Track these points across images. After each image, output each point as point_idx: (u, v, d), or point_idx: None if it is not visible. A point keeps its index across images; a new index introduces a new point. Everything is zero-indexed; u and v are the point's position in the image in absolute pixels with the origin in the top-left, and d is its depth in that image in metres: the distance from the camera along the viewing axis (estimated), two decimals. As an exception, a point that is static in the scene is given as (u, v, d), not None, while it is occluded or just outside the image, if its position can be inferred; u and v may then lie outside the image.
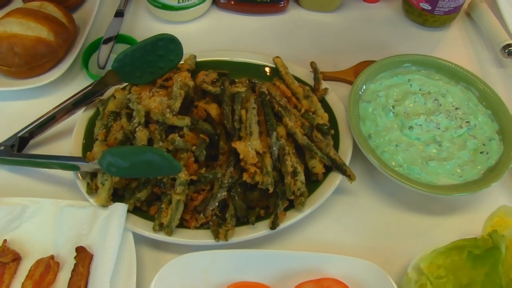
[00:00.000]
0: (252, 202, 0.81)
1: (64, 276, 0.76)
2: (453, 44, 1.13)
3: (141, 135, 0.80)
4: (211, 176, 0.78)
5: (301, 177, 0.78)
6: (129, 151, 0.74)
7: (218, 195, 0.77)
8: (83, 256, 0.76)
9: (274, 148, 0.79)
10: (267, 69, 0.98)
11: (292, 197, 0.78)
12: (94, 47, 1.03)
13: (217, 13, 1.15)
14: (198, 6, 1.10)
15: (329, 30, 1.13)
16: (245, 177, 0.77)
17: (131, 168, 0.75)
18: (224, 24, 1.13)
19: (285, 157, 0.79)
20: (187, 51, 0.96)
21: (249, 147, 0.78)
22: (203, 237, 0.78)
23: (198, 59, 0.97)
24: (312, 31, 1.13)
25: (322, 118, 0.87)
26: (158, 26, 1.11)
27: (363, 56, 1.05)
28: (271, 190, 0.77)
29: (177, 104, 0.81)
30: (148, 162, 0.73)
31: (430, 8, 1.09)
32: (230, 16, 1.15)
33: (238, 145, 0.78)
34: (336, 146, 0.87)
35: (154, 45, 0.86)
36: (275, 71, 0.96)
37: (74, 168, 0.82)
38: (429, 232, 0.85)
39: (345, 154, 0.85)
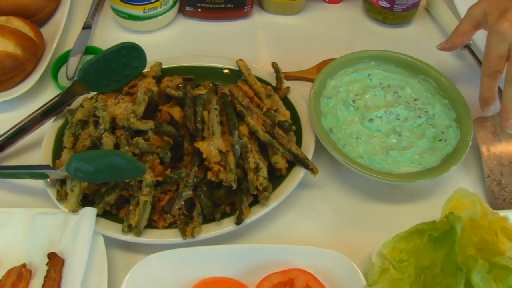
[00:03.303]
0: (219, 200, 0.83)
1: (37, 284, 0.77)
2: (414, 40, 1.16)
3: (108, 141, 0.82)
4: (176, 176, 0.80)
5: (263, 172, 0.81)
6: (94, 155, 0.76)
7: (183, 194, 0.79)
8: (55, 261, 0.77)
9: (237, 146, 0.82)
10: (231, 72, 1.00)
11: (256, 192, 0.81)
12: (63, 59, 1.06)
13: (184, 21, 1.18)
14: (164, 15, 1.12)
15: (293, 32, 1.16)
16: (210, 175, 0.79)
17: (98, 172, 0.77)
18: (191, 32, 1.16)
19: (247, 154, 0.82)
20: (155, 59, 0.99)
21: (211, 147, 0.80)
22: (172, 236, 0.80)
23: (164, 66, 1.00)
24: (276, 34, 1.16)
25: (284, 115, 0.90)
26: (126, 36, 1.13)
27: (327, 55, 1.07)
28: (234, 186, 0.79)
29: (141, 109, 0.84)
30: (113, 165, 0.76)
31: (388, 6, 1.12)
32: (196, 23, 1.17)
33: (201, 145, 0.80)
34: (299, 141, 0.89)
35: (117, 53, 0.88)
36: (239, 73, 0.99)
37: (43, 176, 0.83)
38: (394, 220, 0.87)
39: (308, 149, 0.88)
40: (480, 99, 0.87)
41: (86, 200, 0.84)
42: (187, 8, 1.15)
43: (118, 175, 0.78)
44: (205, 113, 0.84)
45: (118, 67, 0.90)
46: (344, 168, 0.86)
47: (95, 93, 0.92)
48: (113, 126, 0.85)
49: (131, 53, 0.89)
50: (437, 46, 0.98)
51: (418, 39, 1.16)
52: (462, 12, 1.10)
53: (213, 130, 0.82)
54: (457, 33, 0.95)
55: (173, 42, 1.14)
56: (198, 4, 1.13)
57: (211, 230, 0.80)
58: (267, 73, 0.99)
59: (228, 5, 1.13)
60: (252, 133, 0.85)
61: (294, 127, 0.88)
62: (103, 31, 1.15)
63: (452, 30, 0.97)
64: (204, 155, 0.80)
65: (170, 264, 0.77)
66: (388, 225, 0.85)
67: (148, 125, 0.82)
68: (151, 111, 0.87)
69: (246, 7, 1.15)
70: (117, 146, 0.83)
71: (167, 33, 1.15)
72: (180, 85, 0.92)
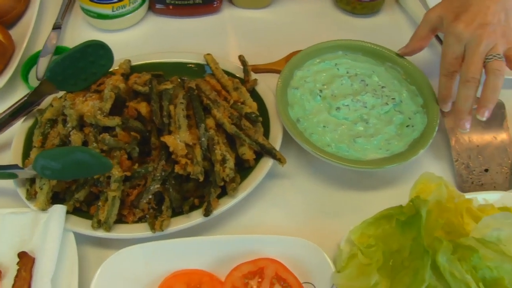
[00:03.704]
0: (188, 193, 0.84)
1: (7, 284, 0.77)
2: (383, 29, 1.17)
3: (75, 138, 0.82)
4: (143, 170, 0.81)
5: (230, 164, 0.81)
6: (59, 152, 0.77)
7: (151, 188, 0.80)
8: (26, 261, 0.77)
9: (203, 139, 0.82)
10: (200, 67, 1.01)
11: (223, 184, 0.81)
12: (33, 60, 1.06)
13: (154, 18, 1.18)
14: (134, 13, 1.13)
15: (263, 26, 1.17)
16: (177, 169, 0.80)
17: (65, 169, 0.77)
18: (161, 29, 1.16)
19: (214, 146, 0.82)
20: (125, 57, 0.99)
21: (178, 140, 0.80)
22: (141, 230, 0.81)
23: (133, 63, 1.00)
24: (246, 28, 1.17)
25: (251, 107, 0.90)
26: (96, 35, 1.14)
27: (296, 47, 1.07)
28: (201, 178, 0.79)
29: (108, 106, 0.84)
30: (79, 161, 0.76)
31: (356, -5, 1.13)
32: (166, 20, 1.18)
33: (167, 139, 0.80)
34: (266, 132, 0.90)
35: (83, 51, 0.89)
36: (208, 67, 0.99)
37: (12, 176, 0.83)
38: (364, 207, 0.87)
39: (275, 139, 0.89)
40: (438, 97, 0.91)
41: (57, 198, 0.84)
42: (157, 6, 1.16)
43: (85, 171, 0.79)
44: (172, 107, 0.85)
45: (85, 65, 0.90)
46: (313, 157, 0.87)
47: (65, 92, 0.92)
48: (82, 124, 0.85)
49: (97, 51, 0.90)
50: (398, 51, 1.00)
51: (387, 28, 1.17)
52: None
53: (179, 124, 0.82)
54: (416, 38, 0.98)
55: (144, 39, 1.14)
56: (168, 1, 1.14)
57: (180, 223, 0.81)
58: (236, 67, 1.00)
59: (197, 1, 1.14)
60: (220, 126, 0.86)
61: (260, 118, 0.89)
62: (73, 31, 1.16)
63: (420, 17, 0.98)
64: (171, 149, 0.80)
65: (140, 258, 0.78)
66: (358, 212, 0.85)
67: (115, 121, 0.82)
68: (119, 108, 0.87)
69: (215, 2, 1.16)
70: (85, 143, 0.83)
71: (138, 31, 1.16)
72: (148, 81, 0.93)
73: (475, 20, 0.85)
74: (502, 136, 0.95)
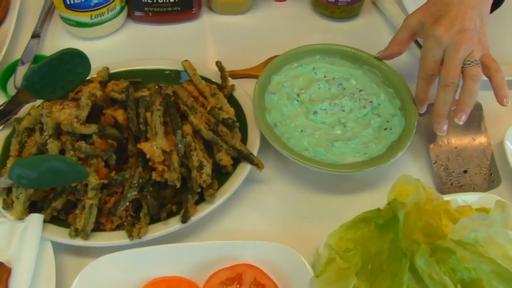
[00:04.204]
0: (165, 200, 0.84)
1: (-17, 294, 0.77)
2: (362, 33, 1.17)
3: (52, 147, 0.82)
4: (120, 178, 0.81)
5: (207, 170, 0.81)
6: (35, 161, 0.76)
7: (128, 195, 0.80)
8: (2, 271, 0.77)
9: (180, 145, 0.82)
10: (178, 73, 1.01)
11: (200, 190, 0.81)
12: (11, 69, 1.05)
13: (133, 25, 1.18)
14: (112, 20, 1.12)
15: (242, 31, 1.17)
16: (154, 175, 0.80)
17: (41, 178, 0.77)
18: (140, 36, 1.16)
19: (191, 152, 0.82)
20: (105, 64, 0.99)
21: (154, 147, 0.80)
22: (119, 237, 0.80)
23: (112, 71, 1.00)
24: (225, 34, 1.17)
25: (228, 112, 0.90)
26: (75, 43, 1.13)
27: (275, 52, 1.07)
28: (178, 185, 0.79)
29: (84, 114, 0.84)
30: (54, 170, 0.76)
31: (333, 0, 1.13)
32: (146, 27, 1.18)
33: (144, 146, 0.80)
34: (244, 138, 0.90)
35: (60, 59, 0.88)
36: (186, 74, 0.99)
37: (-12, 186, 0.83)
38: (342, 211, 0.87)
39: (253, 144, 0.88)
40: (415, 99, 0.92)
41: (34, 207, 0.84)
42: (136, 13, 1.16)
43: (62, 179, 0.78)
44: (148, 114, 0.84)
45: (63, 73, 0.89)
46: (291, 161, 0.87)
47: (42, 100, 0.92)
48: (59, 132, 0.85)
49: (74, 59, 0.89)
50: (376, 54, 1.01)
51: (366, 32, 1.18)
52: (408, 3, 1.12)
53: (156, 130, 0.82)
54: (394, 42, 0.99)
55: (123, 47, 1.14)
56: (146, 9, 1.14)
57: (158, 230, 0.80)
58: (214, 73, 1.00)
59: (176, 8, 1.14)
60: (197, 132, 0.86)
61: (237, 124, 0.89)
62: (53, 39, 1.15)
63: (398, 21, 0.99)
64: (148, 156, 0.80)
65: (119, 266, 0.77)
66: (336, 216, 0.85)
67: (91, 128, 0.82)
68: (96, 115, 0.87)
69: (194, 9, 1.16)
70: (63, 151, 0.83)
71: (117, 38, 1.16)
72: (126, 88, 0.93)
73: (454, 25, 0.87)
74: (480, 137, 0.95)
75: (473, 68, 0.85)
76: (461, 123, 0.84)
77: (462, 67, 0.87)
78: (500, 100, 0.85)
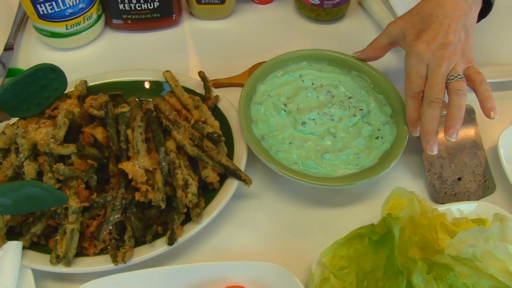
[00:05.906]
0: (150, 220, 0.80)
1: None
2: (348, 35, 1.14)
3: (29, 169, 0.78)
4: (102, 200, 0.77)
5: (193, 188, 0.77)
6: (8, 188, 0.72)
7: (111, 218, 0.76)
8: (-20, 302, 0.74)
9: (164, 164, 0.78)
10: (159, 85, 0.97)
11: (185, 211, 0.77)
12: (-16, 85, 1.01)
13: (111, 34, 1.14)
14: (89, 30, 1.08)
15: (224, 37, 1.13)
16: (138, 196, 0.76)
17: (17, 204, 0.73)
18: (120, 45, 1.12)
19: (175, 170, 0.78)
20: (83, 76, 0.95)
21: (137, 166, 0.77)
22: (103, 262, 0.76)
23: (90, 84, 0.96)
24: (207, 40, 1.13)
25: (213, 126, 0.87)
26: (52, 55, 1.09)
27: (260, 58, 1.04)
28: (163, 206, 0.76)
29: (61, 133, 0.79)
30: (31, 196, 0.71)
31: (319, 2, 1.10)
32: (125, 35, 1.13)
33: (125, 166, 0.77)
34: (231, 151, 0.86)
35: (34, 76, 0.84)
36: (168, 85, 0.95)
37: (-38, 212, 0.79)
38: (335, 225, 0.85)
39: (240, 158, 0.85)
40: (407, 120, 0.88)
41: (12, 233, 0.80)
42: (114, 21, 1.12)
43: (39, 205, 0.74)
44: (129, 131, 0.81)
45: (37, 90, 0.85)
46: (280, 175, 0.83)
47: (17, 118, 0.88)
48: (36, 153, 0.81)
49: (48, 75, 0.85)
50: (353, 54, 0.98)
51: (353, 34, 1.15)
52: (395, 3, 1.09)
53: (138, 149, 0.79)
54: (373, 47, 0.97)
55: (102, 56, 1.10)
56: (124, 16, 1.10)
57: (143, 253, 0.77)
58: (196, 83, 0.96)
59: (155, 15, 1.10)
60: (181, 148, 0.82)
61: (223, 138, 0.85)
62: (27, 51, 1.11)
63: (385, 22, 0.96)
64: (130, 176, 0.76)
65: (104, 293, 0.74)
66: (329, 231, 0.83)
67: (70, 149, 0.78)
68: (75, 133, 0.83)
69: (174, 15, 1.12)
70: (40, 173, 0.79)
71: (96, 47, 1.11)
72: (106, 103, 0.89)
73: (436, 40, 0.86)
74: (473, 143, 0.93)
75: (457, 83, 0.83)
76: (453, 139, 0.81)
77: (446, 82, 0.85)
78: (487, 113, 0.82)
